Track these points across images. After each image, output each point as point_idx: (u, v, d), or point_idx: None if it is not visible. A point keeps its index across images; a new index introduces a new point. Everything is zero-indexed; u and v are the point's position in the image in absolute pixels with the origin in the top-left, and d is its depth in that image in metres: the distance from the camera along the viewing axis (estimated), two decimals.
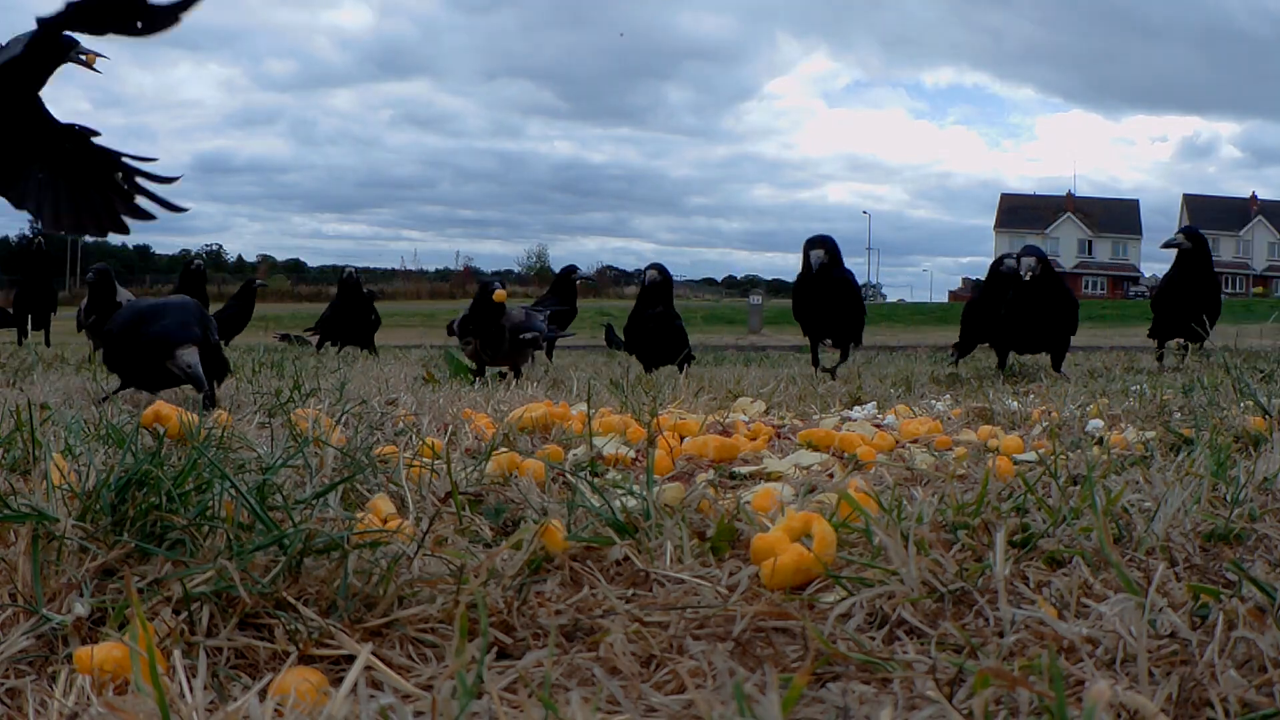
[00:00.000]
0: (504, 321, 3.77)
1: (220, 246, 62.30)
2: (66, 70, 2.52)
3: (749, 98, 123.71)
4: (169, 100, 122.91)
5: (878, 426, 2.13)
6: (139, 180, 2.85)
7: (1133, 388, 2.87)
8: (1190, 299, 4.06)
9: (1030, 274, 3.81)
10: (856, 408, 2.58)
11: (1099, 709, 0.55)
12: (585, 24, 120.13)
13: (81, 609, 0.79)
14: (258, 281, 8.45)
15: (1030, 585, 0.92)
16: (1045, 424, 2.16)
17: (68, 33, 2.40)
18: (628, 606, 0.88)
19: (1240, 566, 0.86)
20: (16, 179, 2.64)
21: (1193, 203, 53.50)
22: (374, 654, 0.75)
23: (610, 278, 48.98)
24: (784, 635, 0.83)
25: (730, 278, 67.73)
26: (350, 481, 1.27)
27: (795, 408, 2.61)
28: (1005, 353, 4.15)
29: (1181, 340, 4.38)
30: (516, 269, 55.03)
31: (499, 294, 3.73)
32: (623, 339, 4.53)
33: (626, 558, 1.02)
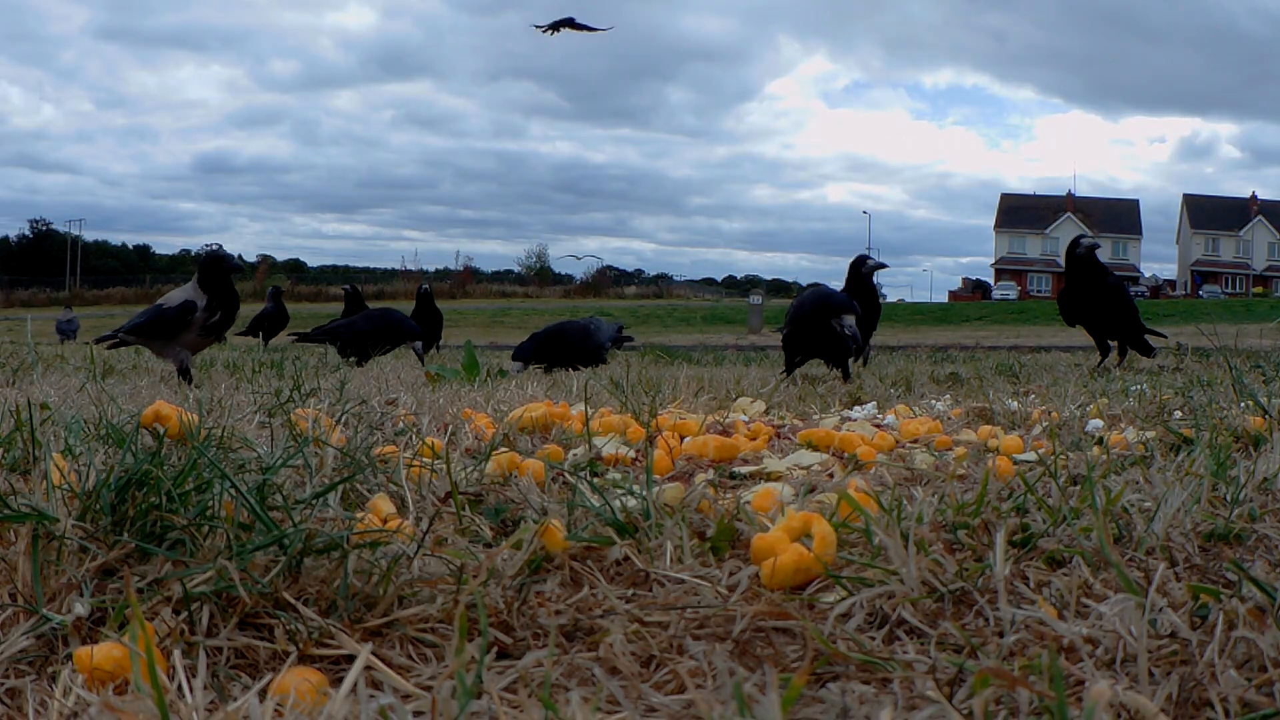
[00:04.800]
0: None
1: (220, 247, 62.32)
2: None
3: (750, 98, 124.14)
4: (172, 100, 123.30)
5: (878, 426, 2.13)
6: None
7: (1132, 388, 2.87)
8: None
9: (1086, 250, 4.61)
10: (856, 408, 2.58)
11: (1099, 709, 0.55)
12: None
13: (81, 609, 0.79)
14: (423, 286, 8.32)
15: (1030, 585, 0.92)
16: (1045, 424, 2.16)
17: None
18: (628, 606, 0.88)
19: (1240, 566, 0.86)
20: None
21: (1193, 203, 53.53)
22: (374, 654, 0.75)
23: (610, 278, 49.06)
24: (784, 635, 0.83)
25: (730, 278, 67.98)
26: (350, 481, 1.27)
27: (795, 408, 2.60)
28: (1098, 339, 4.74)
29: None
30: (516, 269, 55.08)
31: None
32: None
33: (626, 558, 1.02)
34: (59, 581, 0.85)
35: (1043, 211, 54.86)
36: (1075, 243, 4.68)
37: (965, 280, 58.93)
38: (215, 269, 3.52)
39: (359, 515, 1.12)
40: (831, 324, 3.45)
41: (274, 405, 2.20)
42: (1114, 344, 4.71)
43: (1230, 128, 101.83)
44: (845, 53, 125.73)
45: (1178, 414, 2.25)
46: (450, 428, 2.03)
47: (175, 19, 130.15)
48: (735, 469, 1.63)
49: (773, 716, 0.57)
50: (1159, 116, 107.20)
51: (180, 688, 0.69)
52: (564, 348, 4.43)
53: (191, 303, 3.48)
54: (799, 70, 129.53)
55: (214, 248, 3.62)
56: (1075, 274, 4.64)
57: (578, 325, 4.58)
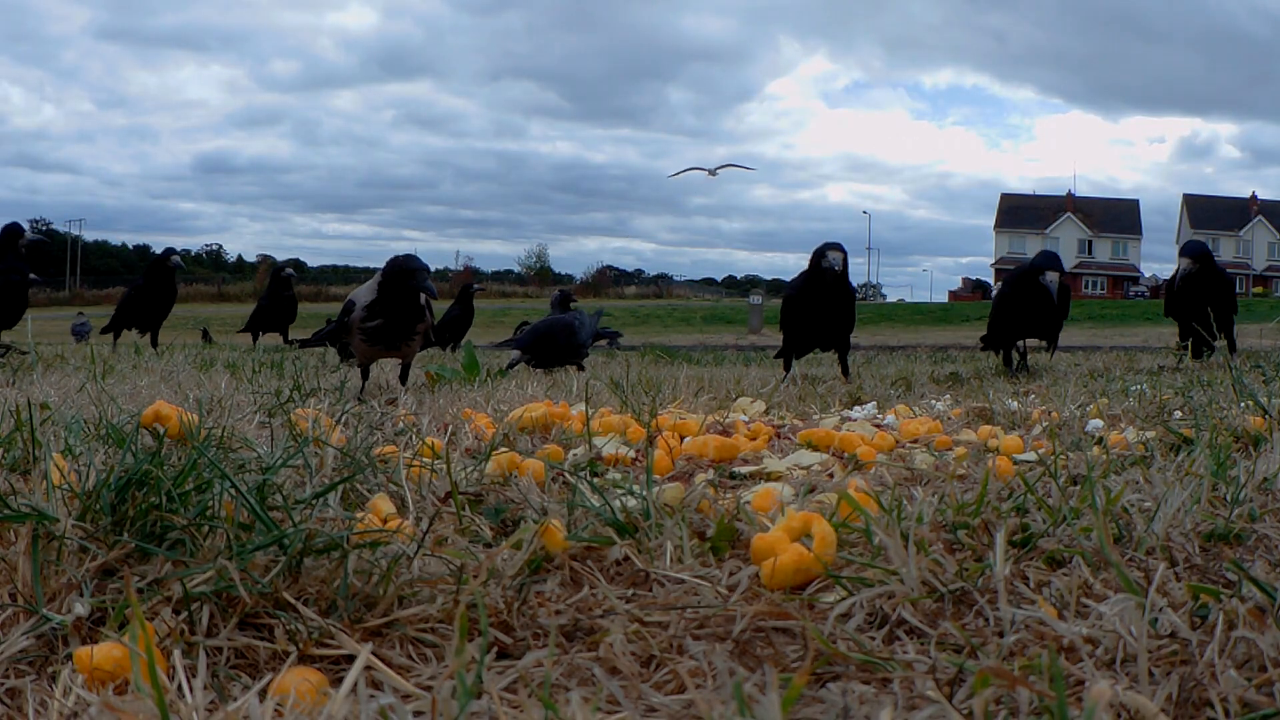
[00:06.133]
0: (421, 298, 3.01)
1: (220, 246, 62.51)
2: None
3: (750, 98, 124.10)
4: (172, 100, 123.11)
5: (878, 426, 2.13)
6: None
7: (1132, 388, 2.87)
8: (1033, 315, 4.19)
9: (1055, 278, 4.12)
10: (856, 408, 2.58)
11: (1099, 709, 0.55)
12: (589, 26, 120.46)
13: (81, 609, 0.79)
14: (475, 286, 8.54)
15: (1030, 585, 0.92)
16: (1045, 424, 2.16)
17: None
18: (628, 606, 0.88)
19: (1240, 566, 0.86)
20: None
21: (1192, 203, 53.51)
22: (374, 654, 0.75)
23: (610, 278, 49.13)
24: (784, 635, 0.83)
25: (730, 278, 68.00)
26: (350, 481, 1.27)
27: (795, 408, 2.60)
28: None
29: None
30: (516, 269, 55.09)
31: None
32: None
33: (626, 558, 1.02)
34: (59, 581, 0.85)
35: (1043, 211, 54.84)
36: (1193, 245, 4.64)
37: (965, 280, 58.96)
38: (394, 275, 2.99)
39: (359, 515, 1.12)
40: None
41: (274, 405, 2.20)
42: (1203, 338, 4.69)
43: (1230, 128, 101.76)
44: (845, 53, 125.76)
45: (1178, 414, 2.25)
46: (450, 428, 2.03)
47: (176, 19, 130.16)
48: (735, 469, 1.63)
49: (773, 716, 0.57)
50: (1159, 116, 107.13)
51: (180, 688, 0.69)
52: (554, 347, 4.30)
53: (352, 302, 3.03)
54: (799, 70, 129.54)
55: (407, 255, 3.06)
56: (1200, 270, 4.58)
57: (564, 323, 4.38)
